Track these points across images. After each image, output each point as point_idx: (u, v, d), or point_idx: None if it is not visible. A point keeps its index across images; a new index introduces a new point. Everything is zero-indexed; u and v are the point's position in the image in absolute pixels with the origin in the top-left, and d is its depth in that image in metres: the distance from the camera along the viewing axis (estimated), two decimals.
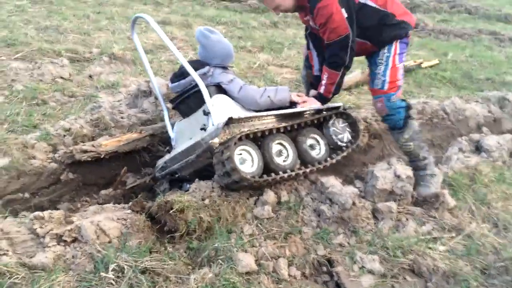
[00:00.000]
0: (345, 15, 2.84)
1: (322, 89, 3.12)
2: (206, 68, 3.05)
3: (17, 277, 2.08)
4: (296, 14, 3.42)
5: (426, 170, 3.09)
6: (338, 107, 3.26)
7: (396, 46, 3.01)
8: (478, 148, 3.62)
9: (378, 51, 3.04)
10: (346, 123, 3.26)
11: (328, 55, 3.01)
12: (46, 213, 2.48)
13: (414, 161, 3.14)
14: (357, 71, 5.06)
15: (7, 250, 2.25)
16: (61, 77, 4.54)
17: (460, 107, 4.32)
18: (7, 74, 4.44)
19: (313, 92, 3.26)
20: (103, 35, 6.00)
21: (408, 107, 3.07)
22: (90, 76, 4.68)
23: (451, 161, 3.34)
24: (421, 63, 5.99)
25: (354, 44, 2.91)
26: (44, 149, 3.23)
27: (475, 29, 8.65)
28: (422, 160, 3.12)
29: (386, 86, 3.00)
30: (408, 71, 5.72)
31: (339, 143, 3.14)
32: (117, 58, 5.13)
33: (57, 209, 2.97)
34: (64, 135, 3.39)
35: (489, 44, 7.73)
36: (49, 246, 2.32)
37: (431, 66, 6.08)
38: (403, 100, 3.08)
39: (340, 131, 3.19)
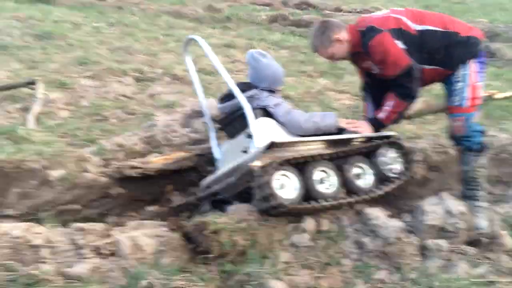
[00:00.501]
0: (401, 46, 2.80)
1: (381, 114, 3.01)
2: (253, 91, 3.05)
3: (54, 285, 2.14)
4: None
5: (479, 202, 2.90)
6: (390, 136, 3.11)
7: (471, 65, 2.89)
8: None
9: (453, 72, 2.93)
10: (399, 154, 3.10)
11: (396, 86, 2.92)
12: (87, 225, 2.57)
13: (471, 190, 2.96)
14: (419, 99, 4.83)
15: (49, 259, 2.34)
16: (124, 95, 4.76)
17: None
18: (77, 91, 4.74)
19: (363, 123, 3.14)
20: (169, 57, 6.26)
21: (483, 133, 2.96)
22: (151, 95, 4.87)
23: None
24: (494, 94, 5.62)
25: (418, 73, 2.83)
26: (97, 163, 3.37)
27: None
28: (479, 191, 2.94)
29: (465, 103, 2.88)
30: None
31: (389, 174, 2.99)
32: (178, 79, 5.31)
33: (105, 222, 3.08)
34: (118, 151, 3.52)
35: None
36: (88, 258, 2.38)
37: (506, 98, 5.68)
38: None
39: (391, 162, 3.03)
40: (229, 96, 3.16)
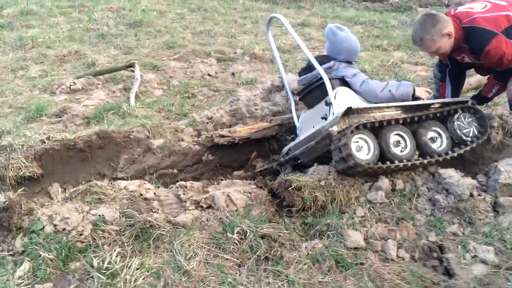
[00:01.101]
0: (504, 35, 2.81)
1: (490, 95, 3.26)
2: (332, 63, 3.28)
3: (164, 230, 2.54)
4: None
5: None
6: (465, 101, 3.21)
7: None
8: None
9: None
10: (473, 118, 3.19)
11: (502, 74, 3.05)
12: (188, 183, 2.98)
13: None
14: None
15: (158, 209, 2.77)
16: (209, 75, 5.17)
17: None
18: (167, 71, 5.22)
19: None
20: (247, 38, 6.58)
21: None
22: (233, 74, 5.23)
23: None
24: None
25: None
26: (191, 133, 3.79)
27: None
28: None
29: None
30: None
31: (464, 137, 3.10)
32: (257, 58, 5.63)
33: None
34: (207, 123, 3.92)
35: None
36: (189, 209, 2.78)
37: None
38: None
39: (466, 126, 3.14)
40: (308, 69, 3.42)
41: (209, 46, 6.11)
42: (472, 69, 3.42)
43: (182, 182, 2.95)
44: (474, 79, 4.62)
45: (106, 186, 2.80)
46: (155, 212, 2.73)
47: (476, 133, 3.14)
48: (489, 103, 4.20)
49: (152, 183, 3.14)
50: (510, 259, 2.34)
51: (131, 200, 2.76)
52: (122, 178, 3.39)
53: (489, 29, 2.81)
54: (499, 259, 2.34)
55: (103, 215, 2.52)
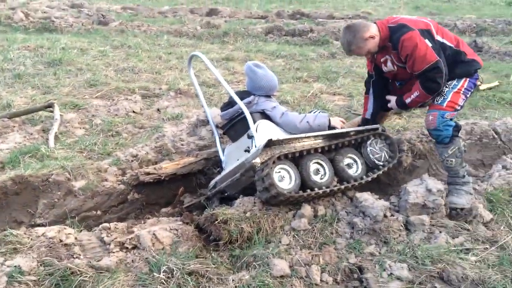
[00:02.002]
0: (429, 44, 3.06)
1: (408, 100, 3.27)
2: (252, 97, 3.41)
3: (86, 276, 2.46)
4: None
5: (463, 186, 3.17)
6: (376, 129, 3.45)
7: (465, 81, 3.21)
8: None
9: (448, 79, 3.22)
10: (384, 143, 3.43)
11: (424, 80, 3.12)
12: (112, 224, 2.93)
13: (453, 177, 3.25)
14: None
15: (79, 254, 2.69)
16: (133, 111, 5.13)
17: None
18: (89, 110, 5.11)
19: (392, 97, 3.44)
20: (172, 73, 6.63)
21: (457, 127, 3.21)
22: (158, 110, 5.23)
23: (492, 178, 3.37)
24: (479, 85, 5.93)
25: (446, 70, 3.08)
26: (115, 172, 3.73)
27: None
28: (461, 178, 3.22)
29: (445, 103, 3.17)
30: None
31: (377, 162, 3.33)
32: (182, 93, 5.68)
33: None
34: (132, 161, 3.87)
35: None
36: (114, 252, 2.72)
37: (490, 88, 6.00)
38: (452, 120, 3.23)
39: (378, 151, 3.37)
40: (229, 104, 3.53)
41: (133, 83, 6.08)
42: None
43: (106, 224, 2.89)
44: None
45: (22, 234, 2.68)
46: (77, 257, 2.64)
47: (388, 158, 3.38)
48: (399, 127, 4.54)
49: (73, 227, 3.04)
50: (422, 273, 2.52)
51: (50, 247, 2.66)
52: (41, 225, 3.24)
53: (408, 25, 3.13)
54: (412, 274, 2.51)
55: (19, 266, 2.40)
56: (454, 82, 3.20)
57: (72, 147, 4.15)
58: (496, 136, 4.23)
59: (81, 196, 3.47)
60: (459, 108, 3.23)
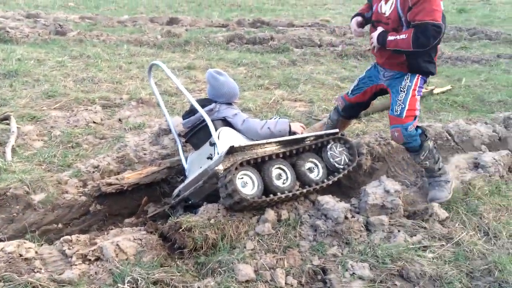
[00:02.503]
0: (441, 9, 2.97)
1: (390, 38, 3.14)
2: (213, 105, 3.44)
3: None
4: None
5: (440, 177, 3.37)
6: (335, 133, 3.55)
7: (418, 79, 3.29)
8: (476, 165, 3.78)
9: (402, 77, 3.31)
10: (344, 147, 3.53)
11: (418, 31, 2.98)
12: (73, 237, 2.87)
13: (430, 177, 3.45)
14: None
15: (40, 268, 2.62)
16: (94, 122, 5.05)
17: (464, 128, 4.49)
18: (47, 122, 4.99)
19: (380, 28, 3.28)
20: (133, 83, 6.56)
21: (423, 133, 3.34)
22: (120, 120, 5.17)
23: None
24: (433, 89, 6.19)
25: (440, 37, 3.01)
26: (76, 184, 3.66)
27: (494, 54, 8.75)
28: (437, 171, 3.40)
29: (404, 114, 3.25)
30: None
31: (337, 165, 3.41)
32: (144, 102, 5.63)
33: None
34: (93, 172, 3.82)
35: (506, 67, 7.81)
36: (76, 264, 2.67)
37: (443, 92, 6.26)
38: (418, 127, 3.34)
39: (338, 155, 3.46)
40: (191, 112, 3.55)
41: (93, 93, 5.98)
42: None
43: (67, 237, 2.83)
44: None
45: None
46: (38, 272, 2.58)
47: (347, 161, 3.48)
48: (358, 131, 4.67)
49: (34, 242, 2.96)
50: (382, 272, 2.60)
51: (10, 262, 2.58)
52: (0, 240, 3.15)
53: None
54: (373, 273, 2.59)
55: None
56: (408, 82, 3.26)
57: (31, 159, 4.05)
58: (449, 137, 4.42)
59: (41, 209, 3.39)
60: (418, 112, 3.33)
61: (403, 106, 3.25)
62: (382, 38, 3.21)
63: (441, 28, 2.95)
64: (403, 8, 3.07)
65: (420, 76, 3.30)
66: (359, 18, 3.51)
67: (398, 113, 3.27)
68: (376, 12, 3.32)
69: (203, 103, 3.45)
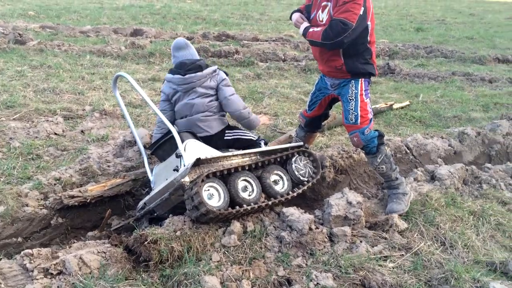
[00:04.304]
0: (361, 12, 3.12)
1: (311, 28, 3.31)
2: (215, 67, 3.72)
3: None
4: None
5: (398, 189, 3.51)
6: (300, 146, 3.63)
7: (361, 83, 3.43)
8: (433, 178, 3.95)
9: (347, 84, 3.43)
10: (308, 160, 3.61)
11: (330, 25, 3.14)
12: (35, 250, 2.79)
13: (388, 181, 3.57)
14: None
15: (0, 283, 2.55)
16: (55, 133, 4.94)
17: (421, 142, 4.69)
18: (6, 133, 4.85)
19: (305, 24, 3.42)
20: (96, 94, 6.47)
21: (380, 135, 3.49)
22: (82, 131, 5.08)
23: None
24: (392, 104, 6.41)
25: (348, 39, 3.12)
26: (36, 197, 3.57)
27: (449, 72, 9.16)
28: (394, 180, 3.54)
29: (359, 120, 3.40)
30: (379, 112, 6.14)
31: (301, 178, 3.49)
32: (107, 114, 5.56)
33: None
34: (55, 184, 3.74)
35: (461, 84, 8.19)
36: (37, 279, 2.61)
37: (402, 107, 6.50)
38: (375, 130, 3.49)
39: (302, 168, 3.54)
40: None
41: (55, 104, 5.86)
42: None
43: (28, 250, 2.75)
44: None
45: None
46: None
47: (311, 173, 3.56)
48: (322, 144, 4.78)
49: None
50: (345, 282, 2.67)
51: None
52: None
53: None
54: (337, 283, 2.66)
55: None
56: (353, 89, 3.40)
57: None
58: (408, 151, 4.60)
59: (0, 223, 3.28)
60: (371, 115, 3.47)
61: (356, 113, 3.41)
62: (304, 29, 3.37)
63: (347, 26, 3.07)
64: (336, 10, 3.21)
65: (363, 79, 3.45)
66: (300, 14, 3.60)
67: (353, 121, 3.43)
68: (315, 20, 3.43)
69: (191, 65, 3.68)
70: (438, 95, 7.30)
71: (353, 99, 3.42)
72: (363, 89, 3.44)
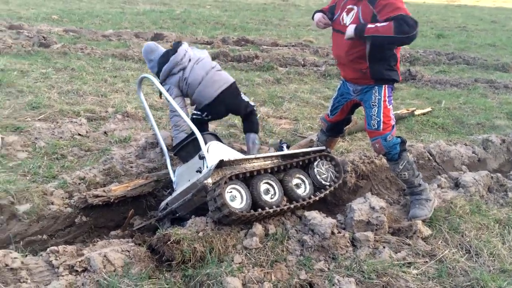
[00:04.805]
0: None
1: (370, 25, 3.09)
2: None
3: None
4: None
5: (421, 195, 3.46)
6: (322, 150, 3.62)
7: (385, 90, 3.40)
8: (457, 185, 3.90)
9: (370, 90, 3.40)
10: (330, 164, 3.60)
11: (398, 21, 2.99)
12: (60, 247, 2.85)
13: (410, 188, 3.52)
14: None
15: (27, 279, 2.60)
16: (79, 134, 5.02)
17: (445, 149, 4.63)
18: (31, 133, 4.95)
19: (352, 25, 3.22)
20: (118, 96, 6.57)
21: (402, 142, 3.45)
22: (105, 133, 5.16)
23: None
24: (414, 111, 6.36)
25: (417, 35, 3.04)
26: (61, 195, 3.64)
27: (472, 79, 9.04)
28: (417, 186, 3.49)
29: (381, 126, 3.36)
30: (401, 118, 6.09)
31: (323, 182, 3.48)
32: (129, 116, 5.63)
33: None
34: (79, 183, 3.80)
35: (484, 92, 8.08)
36: (63, 275, 2.65)
37: (424, 114, 6.44)
38: (398, 137, 3.45)
39: (324, 172, 3.53)
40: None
41: (78, 106, 5.96)
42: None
43: (54, 247, 2.81)
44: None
45: None
46: (24, 282, 2.56)
47: (333, 178, 3.55)
48: (343, 149, 4.76)
49: (18, 252, 2.92)
50: (368, 287, 2.65)
51: None
52: None
53: None
54: None
55: None
56: (377, 95, 3.37)
57: (15, 170, 4.00)
58: (431, 157, 4.55)
59: (26, 220, 3.35)
60: (393, 121, 3.44)
61: (379, 119, 3.37)
62: (361, 27, 3.13)
63: (414, 20, 2.99)
64: (366, 18, 3.17)
65: (386, 86, 3.41)
66: (323, 14, 3.55)
67: (376, 127, 3.39)
68: (338, 23, 3.39)
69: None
70: (460, 102, 7.21)
71: (376, 105, 3.39)
72: (387, 95, 3.40)
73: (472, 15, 23.24)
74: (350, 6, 3.30)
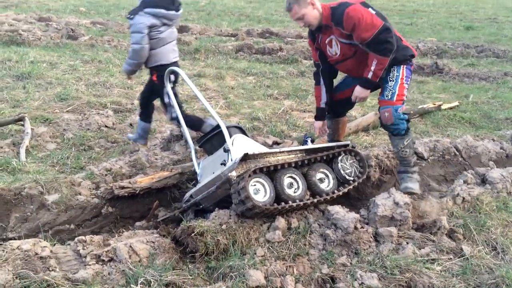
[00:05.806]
0: (373, 12, 3.33)
1: (370, 75, 3.44)
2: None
3: None
4: None
5: (413, 175, 3.62)
6: (346, 145, 3.60)
7: (403, 69, 3.54)
8: (483, 181, 3.83)
9: (389, 68, 3.49)
10: (354, 159, 3.58)
11: (375, 46, 3.32)
12: (88, 237, 2.93)
13: (405, 166, 3.66)
14: (371, 113, 5.40)
15: (55, 267, 2.68)
16: (106, 126, 5.13)
17: (471, 144, 4.54)
18: (60, 124, 5.08)
19: (354, 91, 3.64)
20: None
21: (408, 121, 3.58)
22: (131, 124, 5.25)
23: (454, 192, 3.56)
24: (441, 105, 6.24)
25: (392, 32, 3.33)
26: (89, 186, 3.72)
27: (501, 72, 8.81)
28: (412, 166, 3.65)
29: (395, 98, 3.50)
30: (427, 113, 6.00)
31: (347, 177, 3.46)
32: (155, 109, 5.70)
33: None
34: (106, 174, 3.88)
35: None
36: (90, 264, 2.73)
37: (450, 108, 6.31)
38: (405, 113, 3.57)
39: (348, 167, 3.51)
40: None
41: (105, 97, 6.08)
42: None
43: (81, 237, 2.89)
44: (353, 124, 5.17)
45: None
46: (53, 270, 2.63)
47: (357, 173, 3.53)
48: (367, 143, 4.73)
49: (47, 241, 3.02)
50: (391, 283, 2.64)
51: (26, 260, 2.64)
52: (14, 238, 3.21)
53: (349, 1, 3.38)
54: (382, 284, 2.63)
55: None
56: (395, 72, 3.52)
57: (44, 161, 4.12)
58: (457, 153, 4.47)
59: (54, 209, 3.45)
60: (405, 98, 3.58)
61: (394, 91, 3.50)
62: (365, 82, 3.52)
63: (385, 26, 3.27)
64: (343, 37, 3.44)
65: (404, 66, 3.54)
66: (321, 123, 4.05)
67: (389, 97, 3.51)
68: (330, 57, 3.69)
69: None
70: (489, 96, 7.05)
71: (393, 80, 3.53)
72: (405, 75, 3.54)
73: (503, 6, 22.54)
74: (328, 39, 3.56)
